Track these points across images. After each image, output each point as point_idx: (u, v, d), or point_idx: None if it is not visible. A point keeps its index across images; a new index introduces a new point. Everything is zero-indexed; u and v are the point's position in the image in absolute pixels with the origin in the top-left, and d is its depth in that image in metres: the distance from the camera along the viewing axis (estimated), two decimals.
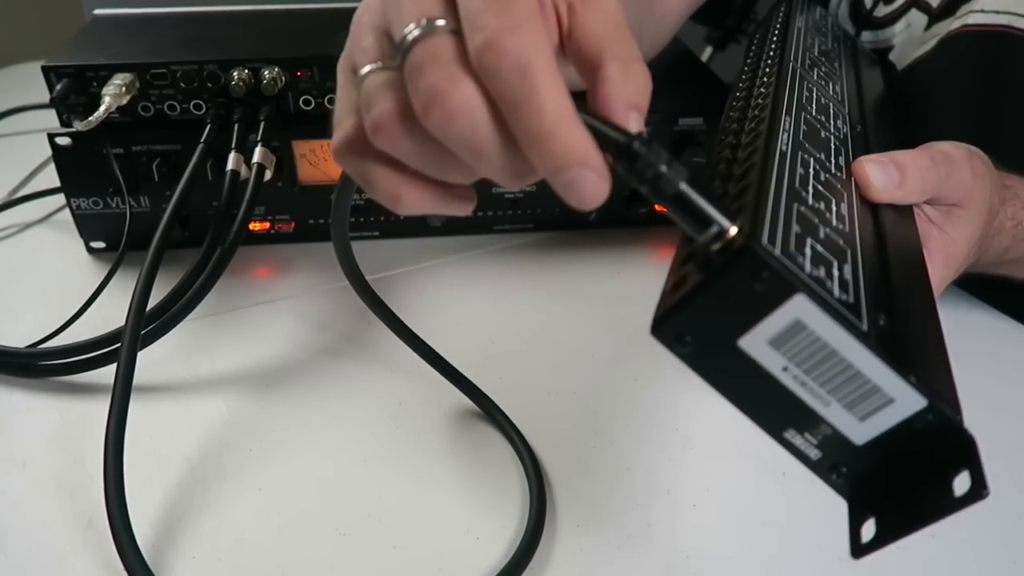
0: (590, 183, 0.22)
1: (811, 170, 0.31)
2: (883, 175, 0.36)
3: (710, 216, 0.23)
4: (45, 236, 0.62)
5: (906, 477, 0.25)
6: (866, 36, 0.65)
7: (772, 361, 0.24)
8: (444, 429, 0.44)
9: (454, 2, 0.24)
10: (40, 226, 0.63)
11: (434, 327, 0.47)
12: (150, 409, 0.45)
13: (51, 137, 0.53)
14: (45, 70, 0.52)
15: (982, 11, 0.55)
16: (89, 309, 0.48)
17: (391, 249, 0.60)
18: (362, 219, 0.60)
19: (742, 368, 0.24)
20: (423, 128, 0.24)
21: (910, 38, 0.61)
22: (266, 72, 0.52)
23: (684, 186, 0.23)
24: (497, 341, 0.51)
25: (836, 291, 0.24)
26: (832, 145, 0.36)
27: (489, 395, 0.45)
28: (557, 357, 0.50)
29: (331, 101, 0.55)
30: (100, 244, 0.58)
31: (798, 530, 0.39)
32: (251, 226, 0.59)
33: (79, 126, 0.50)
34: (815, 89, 0.41)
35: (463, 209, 0.28)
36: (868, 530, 0.25)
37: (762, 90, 0.38)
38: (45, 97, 0.52)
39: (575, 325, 0.53)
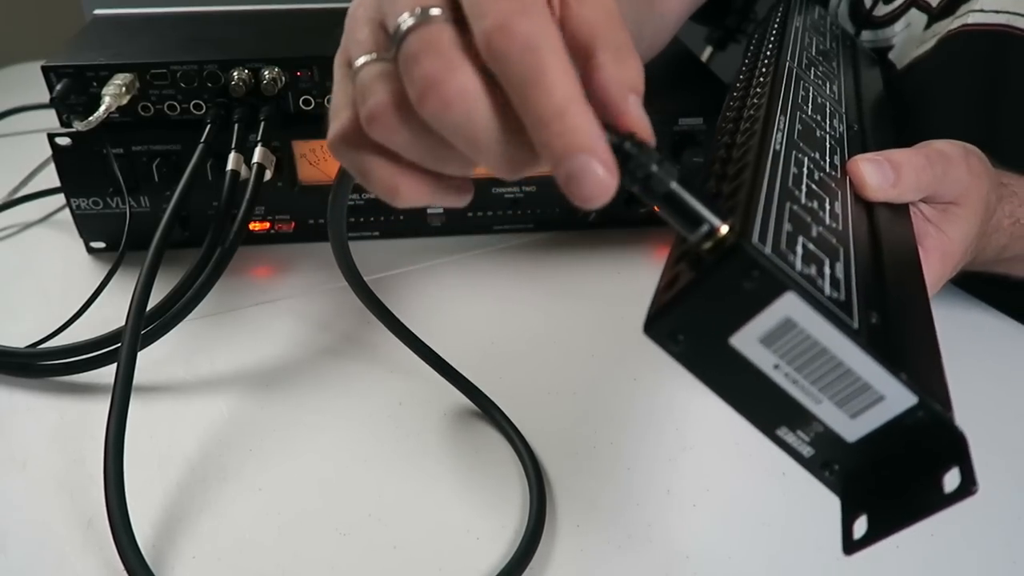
0: (596, 176, 0.22)
1: (805, 169, 0.32)
2: (878, 174, 0.36)
3: (701, 215, 0.23)
4: (45, 236, 0.62)
5: (898, 474, 0.25)
6: (866, 35, 0.65)
7: (763, 359, 0.24)
8: (444, 429, 0.44)
9: None
10: (40, 226, 0.63)
11: (434, 327, 0.47)
12: (150, 409, 0.45)
13: (51, 137, 0.53)
14: (45, 70, 0.52)
15: (982, 11, 0.55)
16: (89, 309, 0.48)
17: (391, 249, 0.60)
18: (362, 219, 0.60)
19: (734, 366, 0.24)
20: (419, 118, 0.24)
21: (910, 37, 0.61)
22: (266, 72, 0.52)
23: (675, 185, 0.23)
24: (497, 341, 0.51)
25: (827, 289, 0.24)
26: (827, 144, 0.36)
27: (489, 395, 0.45)
28: (557, 357, 0.50)
29: (331, 101, 0.55)
30: (100, 244, 0.58)
31: (798, 530, 0.39)
32: (251, 226, 0.59)
33: (79, 126, 0.50)
34: (812, 89, 0.41)
35: (460, 200, 0.28)
36: (860, 527, 0.26)
37: (758, 90, 0.38)
38: (45, 97, 0.52)
39: (575, 325, 0.53)
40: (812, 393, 0.25)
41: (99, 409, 0.40)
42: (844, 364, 0.24)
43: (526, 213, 0.61)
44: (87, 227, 0.57)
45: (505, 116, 0.23)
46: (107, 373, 0.43)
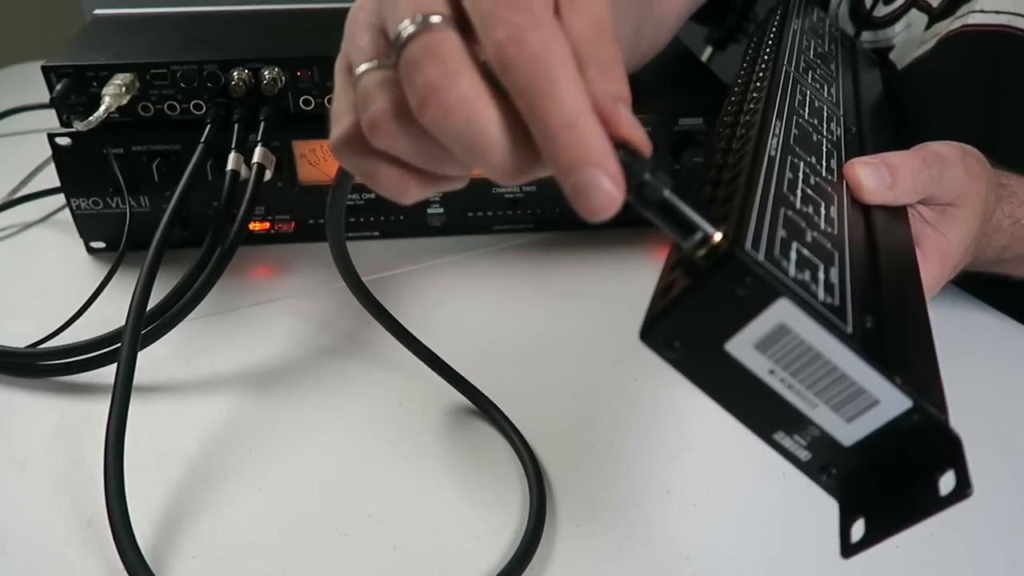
0: (603, 189, 0.22)
1: (800, 174, 0.32)
2: (874, 177, 0.36)
3: (694, 223, 0.23)
4: (45, 236, 0.62)
5: (894, 477, 0.25)
6: (866, 36, 0.65)
7: (759, 364, 0.24)
8: (444, 429, 0.44)
9: None
10: (40, 226, 0.63)
11: (434, 327, 0.47)
12: (150, 409, 0.45)
13: (51, 137, 0.53)
14: (45, 70, 0.52)
15: (982, 11, 0.55)
16: (89, 309, 0.49)
17: (391, 249, 0.60)
18: (362, 219, 0.60)
19: (730, 372, 0.24)
20: (419, 125, 0.24)
21: (910, 38, 0.61)
22: (266, 72, 0.52)
23: (668, 193, 0.23)
24: (497, 341, 0.51)
25: (821, 294, 0.24)
26: (824, 148, 0.36)
27: (489, 395, 0.45)
28: (557, 357, 0.50)
29: (331, 101, 0.55)
30: (100, 244, 0.58)
31: (798, 530, 0.39)
32: (251, 226, 0.59)
33: (79, 126, 0.50)
34: (809, 92, 0.41)
35: (460, 185, 0.28)
36: (857, 530, 0.26)
37: (754, 95, 0.39)
38: (45, 97, 0.52)
39: (575, 325, 0.53)
40: (808, 398, 0.25)
41: (99, 409, 0.40)
42: (839, 369, 0.24)
43: (526, 213, 0.61)
44: (87, 227, 0.57)
45: (505, 124, 0.23)
46: (107, 373, 0.43)
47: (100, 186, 0.55)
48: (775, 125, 0.34)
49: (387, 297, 0.43)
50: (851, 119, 0.42)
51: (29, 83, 0.72)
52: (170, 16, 0.62)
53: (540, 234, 0.62)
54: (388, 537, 0.38)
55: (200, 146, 0.51)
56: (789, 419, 0.25)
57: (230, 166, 0.50)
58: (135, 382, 0.40)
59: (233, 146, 0.51)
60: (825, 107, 0.41)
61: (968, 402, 0.47)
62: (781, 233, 0.26)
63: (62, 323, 0.48)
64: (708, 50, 0.94)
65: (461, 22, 0.24)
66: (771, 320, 0.23)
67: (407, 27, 0.24)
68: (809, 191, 0.31)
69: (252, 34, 0.59)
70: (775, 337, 0.24)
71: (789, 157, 0.32)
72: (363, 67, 0.26)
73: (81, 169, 0.54)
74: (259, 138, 0.52)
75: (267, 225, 0.59)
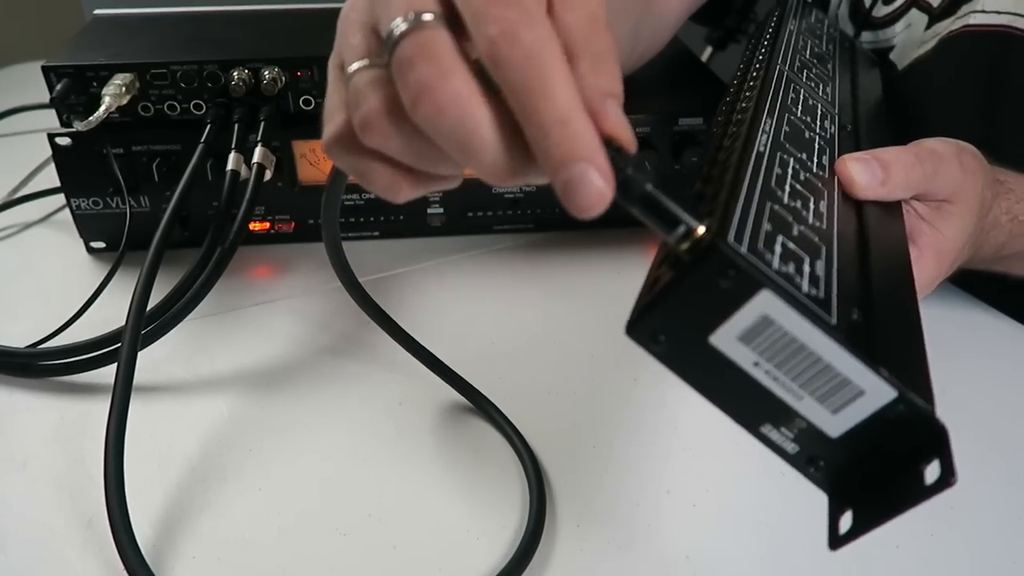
0: (593, 185, 0.22)
1: (790, 169, 0.32)
2: (866, 172, 0.36)
3: (677, 216, 0.23)
4: (45, 236, 0.62)
5: (881, 467, 0.26)
6: (866, 36, 0.65)
7: (743, 357, 0.24)
8: (444, 429, 0.44)
9: None
10: (40, 226, 0.63)
11: (434, 327, 0.47)
12: (150, 409, 0.45)
13: (51, 137, 0.53)
14: (45, 70, 0.52)
15: (983, 11, 0.55)
16: (89, 309, 0.49)
17: (391, 249, 0.60)
18: (361, 219, 0.60)
19: (715, 365, 0.25)
20: (412, 123, 0.24)
21: (910, 38, 0.61)
22: (266, 72, 0.52)
23: (650, 188, 0.23)
24: (497, 341, 0.51)
25: (805, 286, 0.25)
26: (817, 145, 0.36)
27: (489, 395, 0.45)
28: (557, 357, 0.50)
29: (325, 103, 0.55)
30: (100, 244, 0.58)
31: (798, 530, 0.39)
32: (251, 226, 0.59)
33: (79, 126, 0.50)
34: (803, 91, 0.41)
35: (451, 185, 0.28)
36: (846, 521, 0.26)
37: (747, 94, 0.39)
38: (45, 97, 0.52)
39: (575, 325, 0.53)
40: (793, 390, 0.25)
41: (99, 409, 0.40)
42: (823, 360, 0.24)
43: (526, 213, 0.61)
44: (87, 227, 0.57)
45: (497, 123, 0.24)
46: (107, 373, 0.43)
47: (100, 186, 0.55)
48: (765, 122, 0.34)
49: (387, 297, 0.43)
50: (847, 117, 0.42)
51: (29, 83, 0.72)
52: (170, 16, 0.62)
53: (540, 234, 0.62)
54: (388, 537, 0.38)
55: (200, 146, 0.51)
56: (775, 412, 0.25)
57: (230, 166, 0.50)
58: (135, 382, 0.40)
59: (233, 146, 0.51)
60: (820, 105, 0.41)
61: (968, 402, 0.47)
62: (766, 227, 0.26)
63: (62, 323, 0.48)
64: (708, 50, 0.94)
65: (452, 20, 0.24)
66: (754, 312, 0.23)
67: (399, 25, 0.24)
68: (798, 186, 0.31)
69: (252, 34, 0.59)
70: (759, 329, 0.24)
71: (779, 153, 0.32)
72: (355, 65, 0.26)
73: (81, 169, 0.54)
74: (259, 138, 0.52)
75: (267, 225, 0.59)
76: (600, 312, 0.54)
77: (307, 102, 0.55)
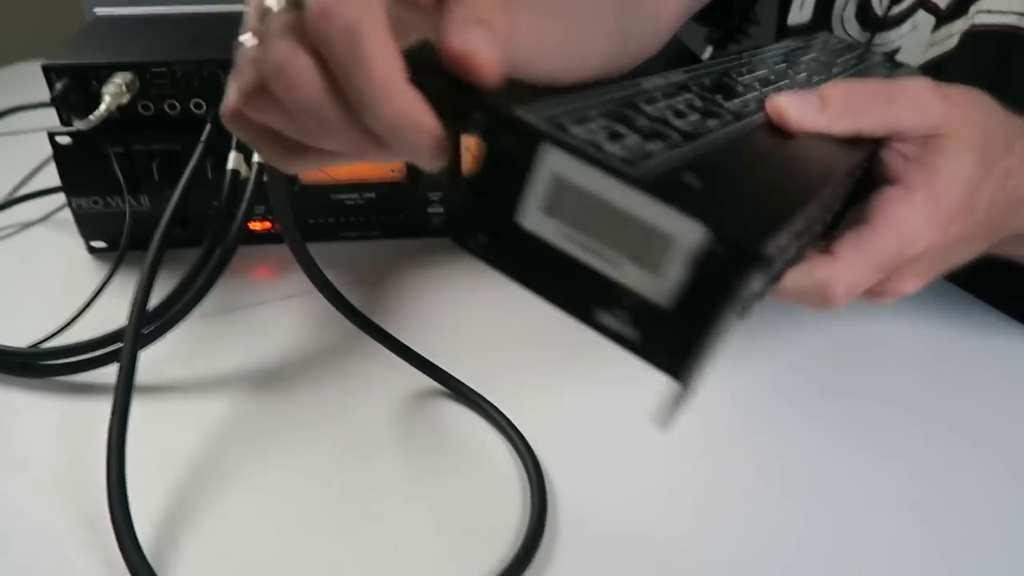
0: (425, 145, 0.25)
1: (682, 99, 0.30)
2: (799, 102, 0.33)
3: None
4: (45, 236, 0.62)
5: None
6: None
7: (553, 232, 0.23)
8: (444, 429, 0.44)
9: None
10: (40, 226, 0.63)
11: (434, 327, 0.47)
12: (151, 409, 0.45)
13: (51, 136, 0.53)
14: (45, 69, 0.52)
15: (988, 11, 0.55)
16: (90, 309, 0.49)
17: (391, 249, 0.60)
18: (362, 219, 0.60)
19: (531, 250, 0.24)
20: (281, 102, 0.26)
21: (916, 40, 0.61)
22: None
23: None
24: (497, 341, 0.51)
25: (611, 148, 0.23)
26: (748, 95, 0.34)
27: (489, 396, 0.45)
28: (557, 357, 0.50)
29: None
30: (100, 243, 0.58)
31: (798, 530, 0.39)
32: (251, 226, 0.59)
33: (79, 125, 0.50)
34: (758, 68, 0.39)
35: (343, 161, 0.30)
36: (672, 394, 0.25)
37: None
38: (45, 96, 0.52)
39: (575, 325, 0.53)
40: (608, 256, 0.23)
41: (100, 409, 0.40)
42: (622, 210, 0.22)
43: None
44: (87, 226, 0.57)
45: (343, 96, 0.25)
46: (108, 373, 0.43)
47: (100, 185, 0.55)
48: (684, 74, 0.34)
49: (386, 297, 0.43)
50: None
51: (29, 83, 0.72)
52: (170, 16, 0.62)
53: None
54: (388, 537, 0.38)
55: (200, 145, 0.51)
56: (600, 290, 0.24)
57: (230, 165, 0.50)
58: (136, 382, 0.40)
59: (233, 145, 0.51)
60: (774, 76, 0.39)
61: (968, 402, 0.47)
62: (592, 113, 0.25)
63: (63, 323, 0.48)
64: (708, 50, 0.93)
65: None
66: (546, 173, 0.23)
67: (273, 5, 0.27)
68: (680, 106, 0.29)
69: None
70: (557, 194, 0.23)
71: (680, 90, 0.31)
72: (245, 42, 0.28)
73: (81, 168, 0.54)
74: None
75: (267, 225, 0.59)
76: None
77: None
